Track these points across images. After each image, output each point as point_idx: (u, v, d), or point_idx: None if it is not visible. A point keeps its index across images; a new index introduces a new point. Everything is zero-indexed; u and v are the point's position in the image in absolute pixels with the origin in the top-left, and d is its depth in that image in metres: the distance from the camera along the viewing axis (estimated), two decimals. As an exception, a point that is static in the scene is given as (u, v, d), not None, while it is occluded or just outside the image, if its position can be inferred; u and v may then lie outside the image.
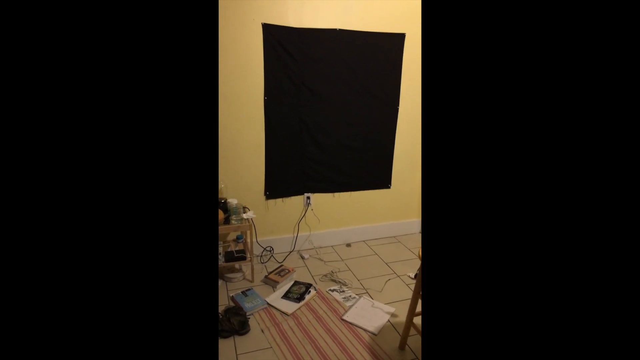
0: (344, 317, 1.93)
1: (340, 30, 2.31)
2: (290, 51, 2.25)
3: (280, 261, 2.51)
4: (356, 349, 1.72)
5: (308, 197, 2.57)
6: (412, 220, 2.96)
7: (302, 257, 2.56)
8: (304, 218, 2.62)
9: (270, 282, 2.20)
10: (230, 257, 2.18)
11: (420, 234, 2.97)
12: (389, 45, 2.46)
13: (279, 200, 2.52)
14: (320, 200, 2.63)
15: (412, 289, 2.21)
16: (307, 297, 2.08)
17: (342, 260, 2.54)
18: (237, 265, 2.32)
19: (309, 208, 2.61)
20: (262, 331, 1.82)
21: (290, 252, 2.63)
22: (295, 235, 2.63)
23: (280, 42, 2.22)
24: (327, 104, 2.42)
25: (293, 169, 2.47)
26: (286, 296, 2.07)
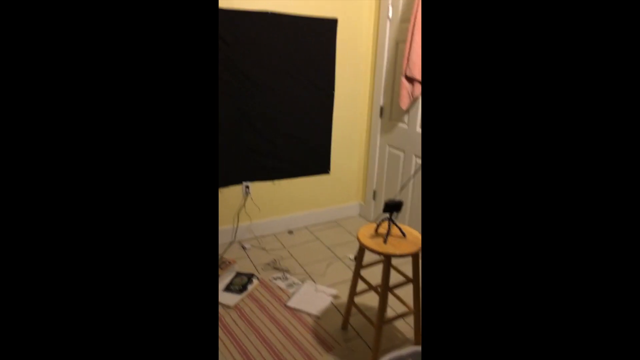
0: (288, 304, 1.94)
1: (272, 13, 2.25)
2: (221, 34, 2.14)
3: (220, 253, 2.44)
4: (300, 333, 1.74)
5: (247, 186, 2.52)
6: (351, 204, 3.04)
7: (244, 248, 2.52)
8: (243, 208, 2.57)
9: (211, 276, 2.14)
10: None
11: (360, 217, 3.07)
12: (322, 30, 2.45)
13: (217, 190, 2.43)
14: (260, 188, 2.59)
15: (353, 270, 2.29)
16: (250, 287, 2.06)
17: (285, 247, 2.54)
18: (174, 261, 2.21)
19: (249, 197, 2.56)
20: (204, 326, 1.76)
21: (231, 243, 2.57)
22: (236, 225, 2.57)
23: (209, 24, 2.10)
24: (262, 90, 2.36)
25: (230, 157, 2.39)
26: (228, 289, 2.03)
